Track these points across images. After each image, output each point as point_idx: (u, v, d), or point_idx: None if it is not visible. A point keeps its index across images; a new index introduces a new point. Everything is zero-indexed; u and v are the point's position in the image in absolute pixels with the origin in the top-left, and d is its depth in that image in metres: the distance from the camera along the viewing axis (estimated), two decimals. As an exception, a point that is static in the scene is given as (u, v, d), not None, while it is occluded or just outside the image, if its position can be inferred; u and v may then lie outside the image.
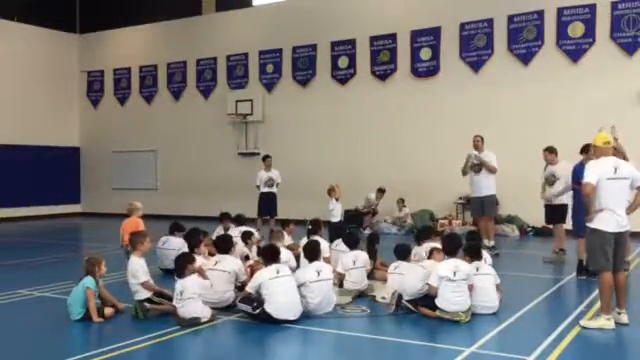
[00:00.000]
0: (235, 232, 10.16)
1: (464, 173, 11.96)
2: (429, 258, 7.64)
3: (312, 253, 7.45)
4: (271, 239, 8.69)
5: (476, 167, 11.71)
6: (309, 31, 18.45)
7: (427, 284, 6.92)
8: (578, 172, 8.83)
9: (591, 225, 6.48)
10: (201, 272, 6.99)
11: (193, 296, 6.55)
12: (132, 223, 9.50)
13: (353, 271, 8.03)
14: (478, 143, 11.85)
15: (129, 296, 7.13)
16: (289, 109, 18.76)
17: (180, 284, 6.65)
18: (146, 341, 6.05)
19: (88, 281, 6.84)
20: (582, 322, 6.48)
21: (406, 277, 7.23)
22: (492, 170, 11.65)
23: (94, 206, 22.73)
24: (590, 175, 6.43)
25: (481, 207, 11.79)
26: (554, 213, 10.93)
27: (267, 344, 6.23)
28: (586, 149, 9.22)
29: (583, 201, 6.73)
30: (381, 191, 16.27)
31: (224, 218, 11.27)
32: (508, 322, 6.69)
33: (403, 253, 7.81)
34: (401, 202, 16.41)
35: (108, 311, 6.89)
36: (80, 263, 7.33)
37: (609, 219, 6.37)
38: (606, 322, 6.36)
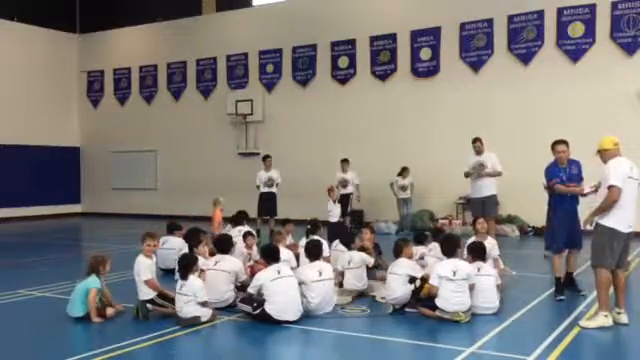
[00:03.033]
0: (234, 232, 10.15)
1: (466, 176, 11.94)
2: (398, 256, 7.54)
3: (314, 252, 7.45)
4: (273, 239, 8.69)
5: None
6: (309, 31, 18.45)
7: (412, 282, 7.04)
8: (552, 172, 8.21)
9: (605, 223, 6.40)
10: (202, 274, 6.99)
11: (192, 298, 6.54)
12: (214, 214, 12.40)
13: (350, 272, 8.03)
14: (480, 147, 11.78)
15: (130, 296, 7.14)
16: (289, 109, 18.76)
17: (180, 284, 6.67)
18: (146, 341, 6.05)
19: (93, 281, 6.84)
20: (581, 323, 6.47)
21: (388, 285, 7.28)
22: (497, 175, 11.65)
23: (94, 206, 22.73)
24: (616, 178, 6.29)
25: (482, 208, 11.76)
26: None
27: (267, 344, 6.23)
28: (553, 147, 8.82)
29: (604, 204, 6.38)
30: (345, 161, 15.46)
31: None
32: (508, 322, 6.69)
33: (398, 247, 7.70)
34: (406, 170, 15.88)
35: (109, 311, 6.89)
36: (81, 263, 7.34)
37: (624, 219, 6.35)
38: (604, 319, 6.35)
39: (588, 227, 6.76)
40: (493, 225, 12.19)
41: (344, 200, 14.94)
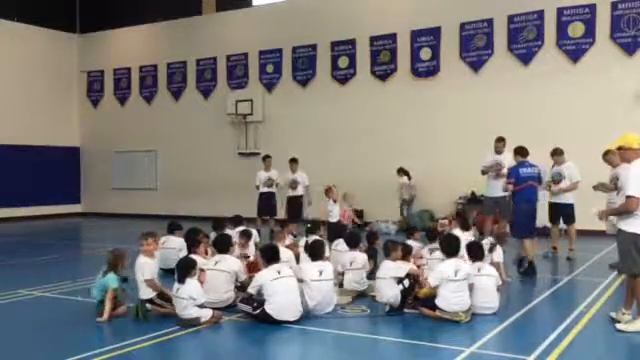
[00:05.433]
0: (233, 233, 10.12)
1: (483, 173, 11.91)
2: (388, 256, 7.48)
3: (315, 252, 7.44)
4: (273, 239, 8.69)
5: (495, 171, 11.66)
6: (309, 31, 18.45)
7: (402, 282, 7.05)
8: (513, 173, 9.74)
9: (627, 229, 6.23)
10: (201, 274, 6.99)
11: (189, 300, 6.53)
12: (344, 209, 12.77)
13: (350, 272, 8.03)
14: (501, 148, 11.74)
15: (130, 296, 7.16)
16: (289, 109, 18.76)
17: (176, 287, 6.67)
18: (146, 341, 6.06)
19: (112, 280, 6.88)
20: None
21: (378, 289, 7.30)
22: None
23: (94, 206, 22.74)
24: (636, 189, 6.06)
25: (496, 207, 11.69)
26: (559, 212, 11.07)
27: (267, 344, 6.23)
28: (522, 152, 9.92)
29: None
30: (294, 161, 14.67)
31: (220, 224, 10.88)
32: (508, 322, 6.70)
33: (385, 249, 7.68)
34: (402, 171, 16.02)
35: (120, 310, 6.96)
36: (81, 263, 7.35)
37: None
38: None
39: (603, 221, 6.79)
40: (505, 226, 12.14)
41: (293, 203, 14.34)
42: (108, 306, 6.80)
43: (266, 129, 19.16)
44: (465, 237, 8.44)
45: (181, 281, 6.65)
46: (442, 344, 6.04)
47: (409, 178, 16.10)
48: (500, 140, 11.85)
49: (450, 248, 7.10)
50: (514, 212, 9.86)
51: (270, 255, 7.01)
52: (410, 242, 8.88)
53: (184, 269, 6.73)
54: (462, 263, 6.94)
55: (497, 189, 11.62)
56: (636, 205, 6.09)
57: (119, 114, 22.37)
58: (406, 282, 7.08)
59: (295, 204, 14.33)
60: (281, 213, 14.57)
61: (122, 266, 7.07)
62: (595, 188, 9.78)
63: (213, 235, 10.27)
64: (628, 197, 6.11)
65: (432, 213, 16.22)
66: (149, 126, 21.56)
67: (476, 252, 7.35)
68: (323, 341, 6.32)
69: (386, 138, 17.18)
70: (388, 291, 7.06)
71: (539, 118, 15.10)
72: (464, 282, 6.76)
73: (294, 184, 14.48)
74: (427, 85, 16.79)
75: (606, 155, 9.99)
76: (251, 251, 9.22)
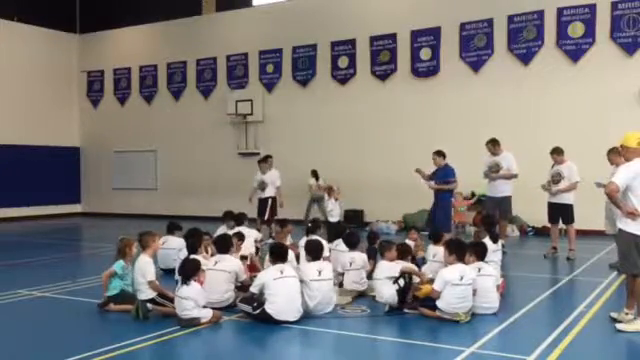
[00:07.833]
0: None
1: (486, 176, 11.94)
2: (382, 256, 7.52)
3: (314, 252, 7.43)
4: (276, 238, 8.69)
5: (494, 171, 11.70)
6: (309, 31, 18.45)
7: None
8: (451, 174, 11.11)
9: (626, 229, 6.27)
10: (202, 274, 7.00)
11: (189, 302, 6.52)
12: (457, 202, 13.59)
13: (350, 272, 8.03)
14: (492, 149, 11.78)
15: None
16: (289, 109, 18.76)
17: (179, 287, 6.67)
18: (146, 341, 6.06)
19: (117, 265, 7.27)
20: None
21: (375, 289, 7.33)
22: (510, 178, 11.64)
23: (94, 206, 22.74)
24: (619, 177, 6.16)
25: (496, 207, 11.74)
26: (559, 212, 11.07)
27: (267, 344, 6.23)
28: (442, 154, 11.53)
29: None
30: (264, 161, 14.36)
31: (227, 217, 11.11)
32: (508, 322, 6.69)
33: (380, 250, 7.70)
34: (313, 173, 16.22)
35: (127, 307, 7.04)
36: (81, 263, 7.37)
37: None
38: None
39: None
40: (505, 226, 12.18)
41: (263, 206, 13.95)
42: (104, 282, 7.29)
43: (266, 129, 19.16)
44: (493, 248, 8.13)
45: (186, 282, 6.62)
46: (442, 344, 6.04)
47: (317, 180, 16.21)
48: (487, 142, 11.88)
49: (459, 253, 7.01)
50: (440, 209, 11.13)
51: (278, 253, 7.00)
52: (408, 241, 8.91)
53: (190, 271, 6.70)
54: (467, 268, 6.88)
55: (498, 189, 11.65)
56: (610, 189, 6.15)
57: (119, 114, 22.36)
58: (401, 281, 7.09)
59: (263, 207, 13.94)
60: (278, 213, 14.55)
61: (130, 252, 7.38)
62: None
63: (222, 228, 10.37)
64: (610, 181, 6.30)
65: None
66: (149, 126, 21.56)
67: (478, 252, 7.32)
68: (323, 341, 6.32)
69: (386, 138, 17.18)
70: (386, 291, 7.07)
71: (539, 118, 15.11)
72: (469, 287, 6.74)
73: (262, 185, 14.03)
74: (427, 85, 16.79)
75: (609, 153, 9.99)
76: (250, 250, 9.24)
